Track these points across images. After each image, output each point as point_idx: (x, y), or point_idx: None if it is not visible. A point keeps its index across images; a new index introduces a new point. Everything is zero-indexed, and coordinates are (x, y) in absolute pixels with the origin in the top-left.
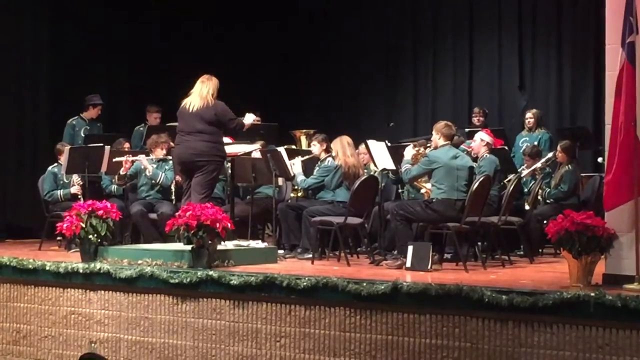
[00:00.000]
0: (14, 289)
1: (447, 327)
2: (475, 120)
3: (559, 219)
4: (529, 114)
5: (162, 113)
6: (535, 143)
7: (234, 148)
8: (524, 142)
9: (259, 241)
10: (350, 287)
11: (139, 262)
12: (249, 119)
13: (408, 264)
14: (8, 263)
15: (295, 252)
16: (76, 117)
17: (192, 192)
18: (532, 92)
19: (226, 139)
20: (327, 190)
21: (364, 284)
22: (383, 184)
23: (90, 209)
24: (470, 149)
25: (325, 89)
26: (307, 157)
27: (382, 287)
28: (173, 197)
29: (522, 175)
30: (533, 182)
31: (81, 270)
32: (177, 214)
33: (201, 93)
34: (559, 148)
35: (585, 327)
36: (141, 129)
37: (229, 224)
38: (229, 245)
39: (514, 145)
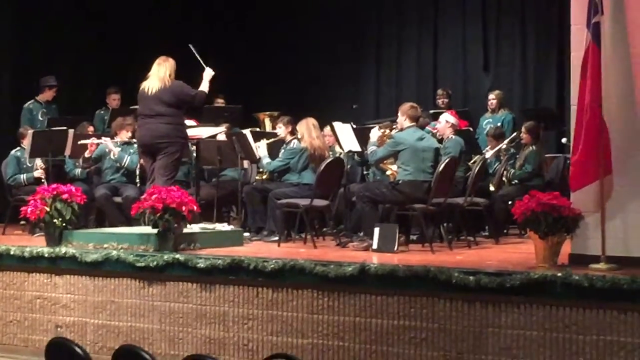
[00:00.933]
0: None
1: (414, 308)
2: (439, 101)
3: (525, 200)
4: (491, 95)
5: (123, 95)
6: (499, 124)
7: (199, 131)
8: (487, 123)
9: (225, 224)
10: (318, 269)
11: (105, 245)
12: (207, 74)
13: (374, 246)
14: None
15: (262, 235)
16: (32, 101)
17: (156, 175)
18: (496, 73)
19: (191, 122)
20: (292, 172)
21: (331, 266)
22: (349, 166)
23: (54, 192)
24: (435, 131)
25: (289, 71)
26: (272, 139)
27: (350, 269)
28: (137, 181)
29: (486, 157)
30: (498, 163)
31: (46, 255)
32: (142, 197)
33: (158, 75)
34: (523, 129)
35: (552, 306)
36: (102, 112)
37: (195, 207)
38: (195, 228)
39: (478, 127)
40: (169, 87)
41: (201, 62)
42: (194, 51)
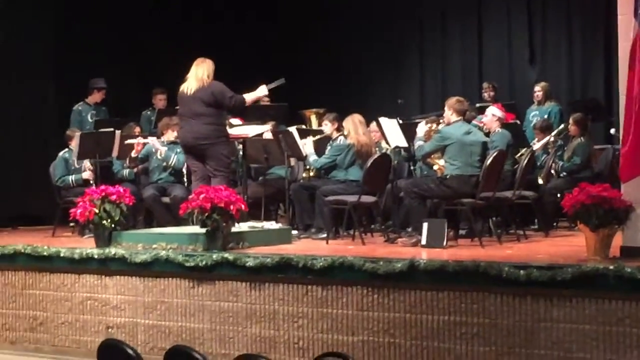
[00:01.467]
0: (29, 277)
1: (465, 303)
2: (485, 95)
3: (575, 192)
4: (537, 87)
5: (168, 95)
6: (546, 116)
7: (245, 129)
8: (534, 116)
9: (273, 222)
10: (367, 266)
11: (154, 246)
12: (261, 90)
13: (423, 242)
14: (22, 251)
15: (310, 232)
16: (81, 103)
17: (212, 179)
18: (543, 66)
19: (237, 121)
20: (339, 169)
21: (381, 263)
22: (395, 162)
23: (103, 194)
24: (482, 124)
25: (333, 67)
26: (318, 136)
27: (399, 265)
28: (185, 180)
29: (534, 149)
30: (546, 155)
31: (96, 256)
32: (190, 196)
33: (197, 76)
34: (571, 121)
35: (604, 300)
36: (149, 112)
37: (243, 206)
38: (243, 227)
39: (525, 120)
40: (208, 87)
41: (272, 85)
42: (279, 82)
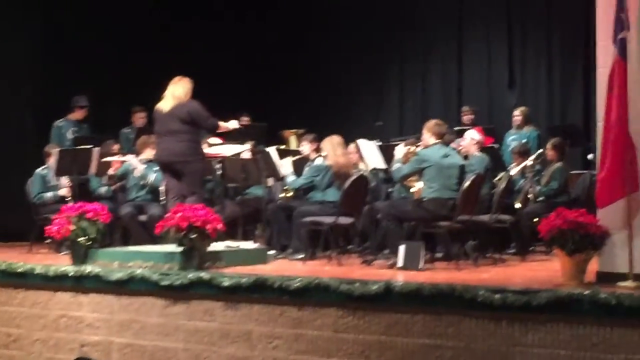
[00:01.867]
0: (4, 293)
1: (440, 326)
2: (464, 118)
3: (552, 217)
4: (516, 112)
5: (148, 114)
6: (524, 141)
7: (224, 149)
8: (512, 140)
9: (250, 242)
10: (343, 287)
11: (130, 264)
12: (232, 124)
13: (400, 264)
14: None
15: (286, 253)
16: (63, 120)
17: (187, 196)
18: (522, 90)
19: (216, 140)
20: (317, 190)
21: (356, 284)
22: (373, 184)
23: (80, 211)
24: (460, 148)
25: (313, 89)
26: (297, 157)
27: (375, 287)
28: (162, 198)
29: (511, 174)
30: (523, 180)
31: (71, 273)
32: (166, 215)
33: (173, 93)
34: (548, 145)
35: (579, 325)
36: (127, 130)
37: (220, 225)
38: (219, 246)
39: (503, 144)
40: (184, 104)
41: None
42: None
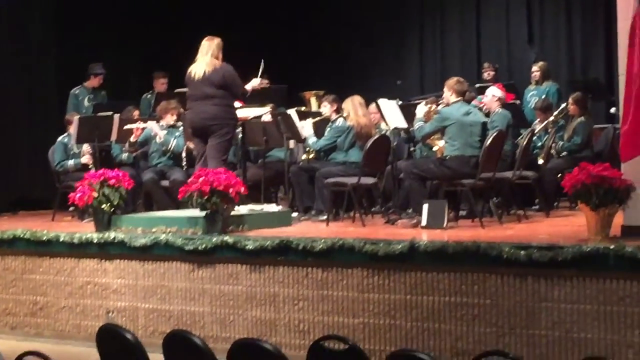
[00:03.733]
0: (29, 261)
1: (465, 284)
2: (485, 75)
3: (575, 172)
4: (534, 67)
5: (169, 79)
6: (544, 96)
7: (244, 112)
8: (532, 95)
9: (273, 205)
10: (367, 247)
11: (153, 230)
12: (255, 81)
13: (423, 223)
14: (22, 235)
15: (310, 214)
16: (79, 87)
17: (208, 158)
18: (542, 45)
19: (236, 103)
20: (339, 151)
21: (381, 244)
22: (395, 143)
23: (102, 178)
24: (482, 105)
25: (333, 49)
26: (317, 118)
27: (399, 247)
28: (184, 164)
29: (535, 130)
30: (546, 135)
31: (95, 240)
32: (189, 180)
33: (206, 57)
34: (570, 100)
35: (605, 279)
36: (149, 96)
37: (242, 189)
38: (242, 209)
39: (523, 100)
40: (220, 69)
41: (259, 73)
42: (261, 65)
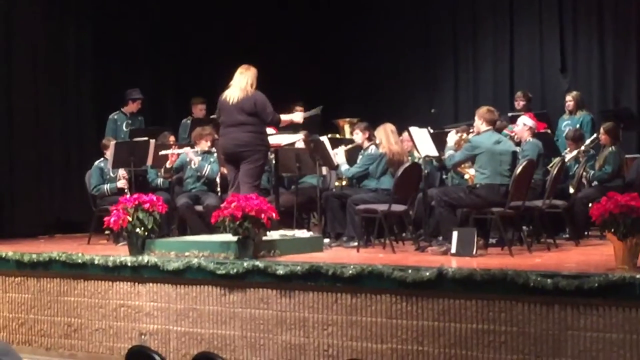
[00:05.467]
0: (64, 283)
1: (493, 312)
2: (517, 104)
3: (603, 202)
4: (568, 97)
5: (208, 105)
6: (578, 126)
7: (277, 139)
8: (566, 125)
9: (305, 230)
10: (396, 274)
11: (186, 254)
12: (297, 117)
13: (453, 250)
14: (58, 258)
15: (341, 241)
16: (117, 112)
17: (240, 184)
18: (575, 75)
19: (269, 130)
20: (371, 178)
21: (409, 271)
22: (427, 171)
23: (136, 202)
24: (513, 134)
25: (366, 77)
26: (350, 146)
27: (428, 274)
28: (218, 189)
29: (565, 159)
30: (577, 165)
31: (129, 264)
32: (222, 205)
33: (240, 84)
34: (602, 130)
35: (631, 308)
36: (187, 121)
37: (274, 214)
38: (274, 235)
39: (557, 129)
40: (252, 96)
41: (309, 113)
42: (317, 111)
